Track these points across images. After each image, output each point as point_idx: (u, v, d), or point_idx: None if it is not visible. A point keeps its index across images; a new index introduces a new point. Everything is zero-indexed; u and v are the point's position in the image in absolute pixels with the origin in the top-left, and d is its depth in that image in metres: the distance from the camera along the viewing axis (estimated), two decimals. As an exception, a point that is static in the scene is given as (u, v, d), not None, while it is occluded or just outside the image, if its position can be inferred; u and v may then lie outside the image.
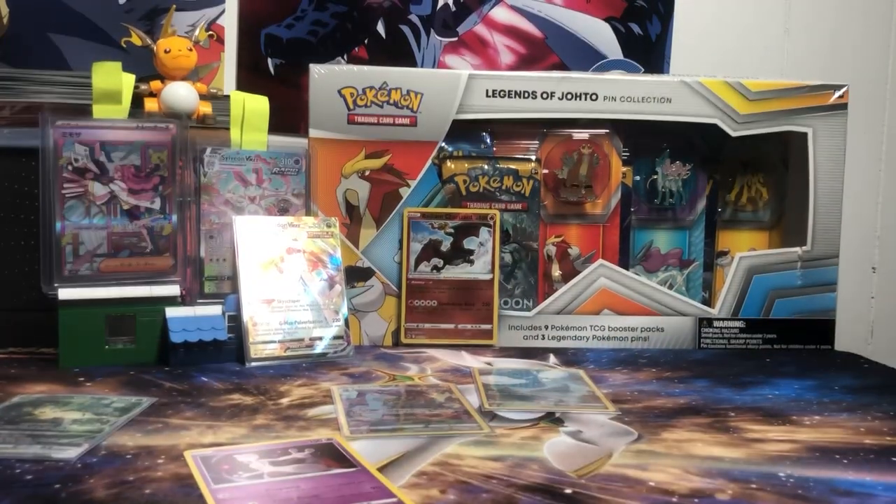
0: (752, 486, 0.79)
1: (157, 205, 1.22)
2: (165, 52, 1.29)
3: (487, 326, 1.35)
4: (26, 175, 1.26)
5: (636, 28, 1.67)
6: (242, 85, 1.61)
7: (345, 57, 1.63)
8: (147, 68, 1.32)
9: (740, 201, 1.46)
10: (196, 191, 1.26)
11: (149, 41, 1.30)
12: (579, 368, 1.22)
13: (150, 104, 1.28)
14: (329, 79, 1.33)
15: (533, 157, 1.40)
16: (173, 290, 1.21)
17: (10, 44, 1.54)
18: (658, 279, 1.43)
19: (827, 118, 1.38)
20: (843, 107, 1.39)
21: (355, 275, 1.34)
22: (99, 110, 1.21)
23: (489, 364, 1.24)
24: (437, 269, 1.35)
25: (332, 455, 0.84)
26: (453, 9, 1.64)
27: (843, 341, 1.45)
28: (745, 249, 1.45)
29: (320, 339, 1.24)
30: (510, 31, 1.66)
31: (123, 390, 1.05)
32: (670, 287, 1.42)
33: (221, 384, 1.09)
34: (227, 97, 1.32)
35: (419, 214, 1.35)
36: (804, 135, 1.38)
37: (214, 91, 1.34)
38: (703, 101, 1.36)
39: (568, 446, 0.90)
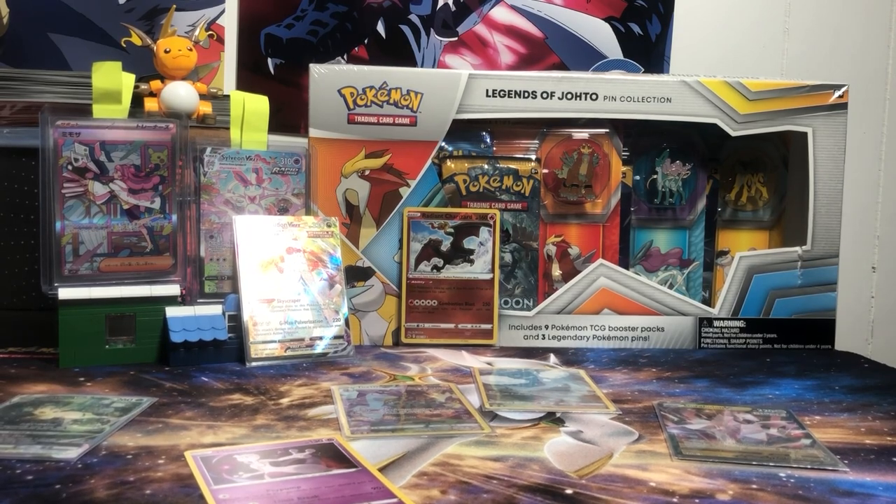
0: (753, 486, 0.79)
1: (157, 204, 1.22)
2: (165, 51, 1.29)
3: (487, 326, 1.35)
4: (26, 175, 1.26)
5: (636, 28, 1.67)
6: (242, 85, 1.61)
7: (345, 57, 1.63)
8: (147, 68, 1.32)
9: (740, 201, 1.46)
10: (196, 190, 1.25)
11: (149, 41, 1.30)
12: (580, 368, 1.22)
13: (150, 104, 1.28)
14: (329, 78, 1.33)
15: (533, 157, 1.40)
16: (173, 289, 1.21)
17: (10, 44, 1.54)
18: (658, 279, 1.43)
19: (827, 118, 1.38)
20: (843, 106, 1.39)
21: (355, 274, 1.34)
22: (99, 110, 1.21)
23: (489, 364, 1.24)
24: (437, 268, 1.35)
25: (333, 455, 0.84)
26: (453, 9, 1.64)
27: (843, 341, 1.45)
28: (745, 249, 1.45)
29: (320, 338, 1.24)
30: (510, 31, 1.66)
31: (123, 390, 1.05)
32: (670, 287, 1.42)
33: (221, 384, 1.09)
34: (227, 97, 1.32)
35: (419, 214, 1.35)
36: (804, 134, 1.38)
37: (214, 91, 1.34)
38: (702, 100, 1.36)
39: (568, 446, 0.90)
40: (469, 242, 1.36)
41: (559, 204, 1.42)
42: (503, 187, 1.38)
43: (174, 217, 1.23)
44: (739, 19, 1.73)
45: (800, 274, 1.39)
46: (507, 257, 1.39)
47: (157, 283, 1.21)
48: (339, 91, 1.33)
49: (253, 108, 1.30)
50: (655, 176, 1.43)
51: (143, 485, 0.76)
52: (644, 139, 1.43)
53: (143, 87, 1.28)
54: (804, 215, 1.39)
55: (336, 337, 1.25)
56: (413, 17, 1.63)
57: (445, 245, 1.35)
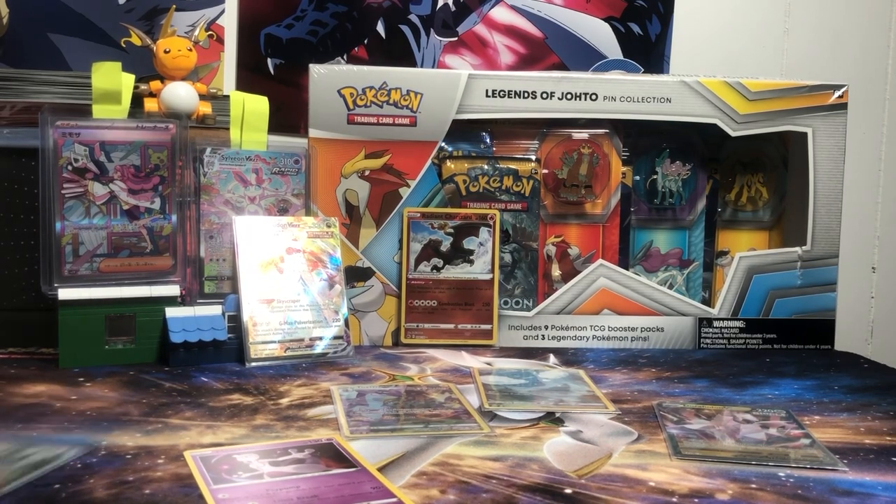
0: (752, 486, 0.79)
1: (157, 205, 1.22)
2: (165, 52, 1.29)
3: (487, 326, 1.35)
4: (26, 175, 1.26)
5: (636, 28, 1.67)
6: (242, 85, 1.61)
7: (345, 57, 1.63)
8: (147, 68, 1.32)
9: (740, 201, 1.46)
10: (196, 191, 1.26)
11: (148, 41, 1.30)
12: (579, 368, 1.22)
13: (150, 104, 1.28)
14: (329, 79, 1.33)
15: (533, 157, 1.40)
16: (173, 290, 1.21)
17: (10, 44, 1.54)
18: (658, 279, 1.43)
19: (827, 118, 1.38)
20: (843, 107, 1.39)
21: (355, 275, 1.34)
22: (99, 110, 1.21)
23: (489, 364, 1.24)
24: (437, 269, 1.35)
25: (332, 455, 0.84)
26: (453, 9, 1.64)
27: (843, 341, 1.45)
28: (744, 249, 1.45)
29: (320, 339, 1.24)
30: (510, 31, 1.66)
31: (123, 390, 1.05)
32: (670, 287, 1.42)
33: (221, 384, 1.09)
34: (227, 97, 1.32)
35: (419, 214, 1.35)
36: (804, 135, 1.38)
37: (214, 91, 1.34)
38: (702, 100, 1.36)
39: (568, 446, 0.90)
40: (469, 243, 1.36)
41: (559, 204, 1.42)
42: (503, 187, 1.38)
43: (174, 217, 1.23)
44: (739, 19, 1.73)
45: (800, 274, 1.39)
46: (507, 257, 1.39)
47: (157, 283, 1.21)
48: (338, 91, 1.33)
49: (253, 108, 1.30)
50: (655, 176, 1.43)
51: (143, 484, 0.76)
52: (644, 139, 1.43)
53: (143, 87, 1.28)
54: (804, 215, 1.39)
55: (336, 337, 1.25)
56: (413, 17, 1.63)
57: (445, 245, 1.35)
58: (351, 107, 1.33)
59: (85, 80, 1.28)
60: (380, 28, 1.63)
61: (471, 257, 1.35)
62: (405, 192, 1.35)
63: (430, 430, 0.92)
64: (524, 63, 1.66)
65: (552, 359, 1.28)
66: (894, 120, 1.79)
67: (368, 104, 1.33)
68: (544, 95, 1.35)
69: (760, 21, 1.74)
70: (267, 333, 1.21)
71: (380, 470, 0.80)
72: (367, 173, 1.34)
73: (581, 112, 1.36)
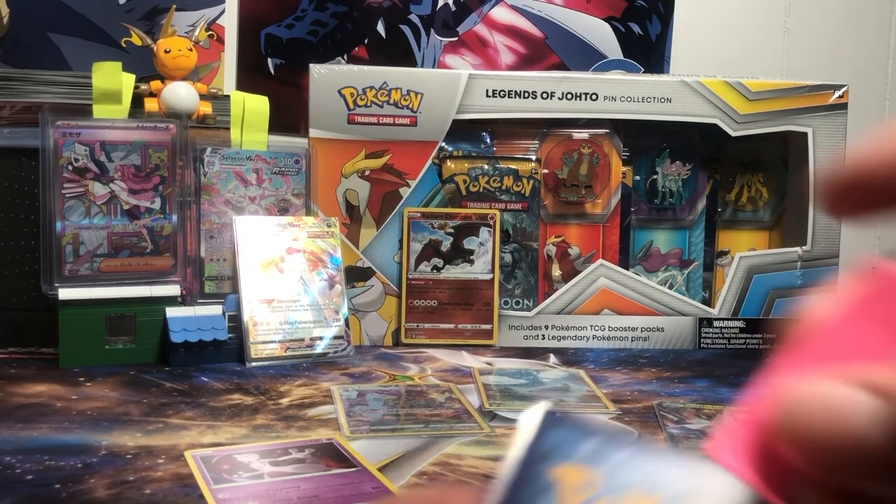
0: (753, 485, 0.79)
1: (157, 205, 1.22)
2: (165, 52, 1.29)
3: (487, 326, 1.35)
4: (26, 175, 1.26)
5: (636, 28, 1.67)
6: (242, 85, 1.61)
7: (345, 57, 1.63)
8: (147, 68, 1.32)
9: (740, 201, 1.46)
10: (196, 191, 1.26)
11: (149, 41, 1.30)
12: (579, 368, 1.22)
13: (150, 104, 1.28)
14: (329, 79, 1.33)
15: (533, 157, 1.40)
16: (173, 289, 1.21)
17: (10, 44, 1.54)
18: (658, 279, 1.43)
19: (827, 118, 1.38)
20: (844, 107, 1.39)
21: (355, 275, 1.34)
22: (99, 110, 1.21)
23: (489, 364, 1.24)
24: (437, 268, 1.35)
25: (333, 455, 0.84)
26: (453, 9, 1.64)
27: (843, 341, 1.45)
28: (745, 249, 1.45)
29: (320, 339, 1.24)
30: (510, 31, 1.66)
31: (123, 390, 1.05)
32: (670, 287, 1.42)
33: (221, 384, 1.10)
34: (227, 97, 1.32)
35: (419, 214, 1.35)
36: (804, 135, 1.38)
37: (214, 91, 1.34)
38: (703, 100, 1.36)
39: (568, 446, 0.89)
40: (469, 243, 1.36)
41: (559, 204, 1.42)
42: (503, 187, 1.38)
43: (174, 217, 1.23)
44: (740, 19, 1.73)
45: (800, 274, 1.39)
46: (507, 257, 1.39)
47: (157, 283, 1.21)
48: (339, 91, 1.33)
49: (253, 108, 1.30)
50: (655, 176, 1.43)
51: (143, 484, 0.76)
52: (644, 139, 1.43)
53: (143, 87, 1.28)
54: (804, 215, 1.39)
55: (336, 337, 1.25)
56: (413, 17, 1.63)
57: (445, 245, 1.35)
58: (351, 107, 1.33)
59: (85, 80, 1.29)
60: (380, 28, 1.63)
61: (471, 257, 1.35)
62: (405, 192, 1.35)
63: (430, 430, 0.92)
64: (524, 63, 1.66)
65: (552, 359, 1.28)
66: (894, 120, 1.79)
67: (369, 104, 1.33)
68: (544, 95, 1.35)
69: (761, 21, 1.74)
70: (267, 333, 1.21)
71: (380, 470, 0.80)
72: (367, 173, 1.34)
73: (581, 112, 1.36)
